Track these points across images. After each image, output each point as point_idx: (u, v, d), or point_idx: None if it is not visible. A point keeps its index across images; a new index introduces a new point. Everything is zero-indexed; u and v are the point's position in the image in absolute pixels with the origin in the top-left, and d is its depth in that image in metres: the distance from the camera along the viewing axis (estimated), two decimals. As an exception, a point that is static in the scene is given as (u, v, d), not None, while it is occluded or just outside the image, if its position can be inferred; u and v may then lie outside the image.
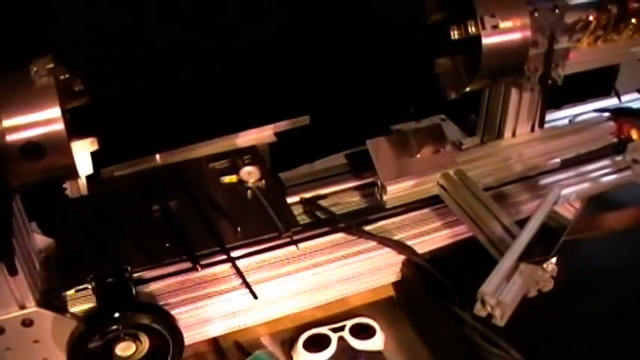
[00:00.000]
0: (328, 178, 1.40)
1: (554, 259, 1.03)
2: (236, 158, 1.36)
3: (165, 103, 1.52)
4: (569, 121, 1.53)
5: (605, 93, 1.64)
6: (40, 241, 1.23)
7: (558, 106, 1.55)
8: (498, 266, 1.03)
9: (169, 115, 1.51)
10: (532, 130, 1.43)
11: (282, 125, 1.45)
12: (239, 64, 1.56)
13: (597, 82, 1.61)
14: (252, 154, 1.37)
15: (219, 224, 1.24)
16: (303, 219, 1.30)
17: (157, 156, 1.39)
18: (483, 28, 1.17)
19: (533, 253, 1.06)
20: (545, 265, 1.03)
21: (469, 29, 1.19)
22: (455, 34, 1.21)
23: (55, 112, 0.96)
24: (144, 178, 1.35)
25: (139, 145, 1.40)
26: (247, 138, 1.43)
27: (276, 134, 1.44)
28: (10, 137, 0.95)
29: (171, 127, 1.47)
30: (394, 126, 1.41)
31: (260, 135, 1.44)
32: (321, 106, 1.48)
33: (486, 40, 1.18)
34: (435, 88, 1.34)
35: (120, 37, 1.42)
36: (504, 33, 1.19)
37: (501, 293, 0.99)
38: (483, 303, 1.00)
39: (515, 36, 1.20)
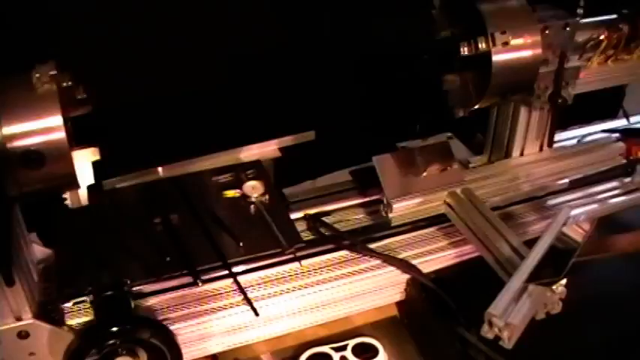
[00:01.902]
0: (333, 194, 1.38)
1: (563, 281, 1.01)
2: (240, 172, 1.34)
3: (169, 115, 1.51)
4: (578, 141, 1.51)
5: (611, 114, 1.62)
6: (39, 251, 1.21)
7: (564, 127, 1.53)
8: (507, 287, 1.01)
9: (173, 127, 1.50)
10: (540, 149, 1.42)
11: (287, 140, 1.43)
12: (245, 79, 1.55)
13: (603, 104, 1.59)
14: (256, 169, 1.35)
15: (221, 239, 1.22)
16: (307, 235, 1.28)
17: (160, 169, 1.37)
18: (494, 44, 1.16)
19: (543, 275, 1.04)
20: (554, 287, 1.01)
21: (479, 45, 1.17)
22: (465, 50, 1.19)
23: (57, 120, 0.94)
24: (146, 191, 1.33)
25: (141, 158, 1.38)
26: (251, 152, 1.41)
27: (281, 149, 1.42)
28: (11, 145, 0.93)
29: (174, 140, 1.46)
30: (400, 143, 1.39)
31: (264, 150, 1.42)
32: (326, 122, 1.46)
33: (497, 57, 1.17)
34: (442, 106, 1.33)
35: (125, 48, 1.41)
36: (515, 50, 1.18)
37: (509, 315, 0.97)
38: (491, 325, 0.98)
39: (526, 53, 1.19)
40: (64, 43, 1.31)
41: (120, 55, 1.40)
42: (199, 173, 1.37)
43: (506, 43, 1.16)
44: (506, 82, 1.20)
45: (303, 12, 1.57)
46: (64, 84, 0.96)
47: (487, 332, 0.99)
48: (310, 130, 1.44)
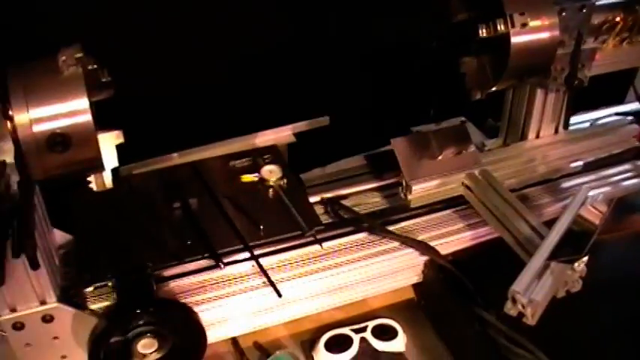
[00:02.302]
0: (348, 179, 1.38)
1: (585, 259, 1.02)
2: (256, 157, 1.35)
3: (183, 102, 1.52)
4: (591, 124, 1.52)
5: (619, 98, 1.63)
6: (60, 237, 1.22)
7: (575, 111, 1.53)
8: (529, 265, 1.02)
9: (187, 114, 1.50)
10: (556, 132, 1.43)
11: (301, 126, 1.43)
12: (259, 65, 1.55)
13: (611, 87, 1.60)
14: (272, 154, 1.36)
15: (241, 223, 1.22)
16: (325, 219, 1.28)
17: (177, 154, 1.38)
18: (512, 25, 1.16)
19: (563, 253, 1.05)
20: (575, 265, 1.02)
21: (498, 27, 1.17)
22: (483, 32, 1.19)
23: (83, 102, 0.94)
24: (164, 176, 1.33)
25: (156, 145, 1.38)
26: (266, 138, 1.42)
27: (295, 135, 1.43)
28: (37, 128, 0.93)
29: (188, 126, 1.46)
30: (414, 128, 1.40)
31: (279, 135, 1.42)
32: (340, 108, 1.47)
33: (515, 39, 1.17)
34: (454, 90, 1.34)
35: (142, 34, 1.42)
36: (533, 32, 1.18)
37: (532, 292, 0.98)
38: (514, 302, 0.99)
39: (544, 35, 1.19)
40: (84, 27, 1.31)
41: (137, 40, 1.41)
42: (216, 158, 1.38)
43: (524, 25, 1.16)
44: (523, 64, 1.21)
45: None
46: (89, 67, 0.97)
47: (510, 309, 1.00)
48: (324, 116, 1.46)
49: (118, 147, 1.06)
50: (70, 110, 0.94)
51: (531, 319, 0.98)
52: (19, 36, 1.26)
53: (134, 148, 1.12)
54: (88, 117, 0.95)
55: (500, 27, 1.17)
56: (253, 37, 1.53)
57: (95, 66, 0.97)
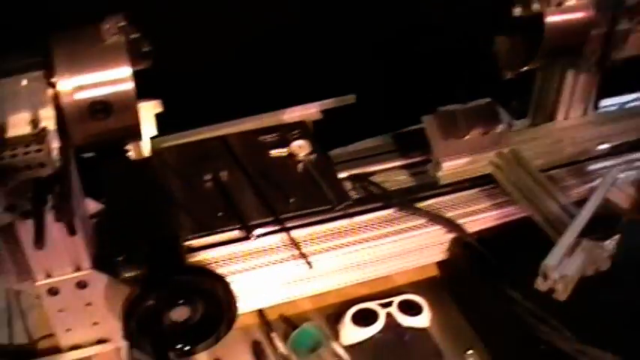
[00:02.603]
0: (374, 156, 1.39)
1: (616, 237, 1.04)
2: (285, 132, 1.36)
3: (213, 77, 1.52)
4: (620, 107, 1.52)
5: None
6: (91, 205, 1.23)
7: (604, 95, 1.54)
8: (561, 241, 1.03)
9: (217, 90, 1.51)
10: (585, 113, 1.43)
11: (328, 103, 1.44)
12: (288, 42, 1.56)
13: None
14: (301, 129, 1.37)
15: (271, 195, 1.24)
16: (352, 195, 1.29)
17: (207, 128, 1.39)
18: (548, 5, 1.17)
19: (593, 233, 1.06)
20: (606, 243, 1.03)
21: (532, 6, 1.18)
22: (518, 11, 1.20)
23: (126, 71, 0.95)
24: (194, 149, 1.35)
25: (188, 118, 1.39)
26: (293, 114, 1.43)
27: (322, 112, 1.44)
28: (79, 95, 0.94)
29: (218, 101, 1.47)
30: (440, 108, 1.41)
31: (306, 112, 1.43)
32: (366, 87, 1.47)
33: (550, 18, 1.18)
34: (480, 72, 1.34)
35: (178, 6, 1.42)
36: (567, 12, 1.19)
37: (564, 268, 1.00)
38: (545, 277, 1.00)
39: (578, 15, 1.20)
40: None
41: (171, 14, 1.42)
42: (246, 133, 1.39)
43: (560, 4, 1.17)
44: (557, 44, 1.21)
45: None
46: (132, 36, 0.98)
47: (541, 285, 1.02)
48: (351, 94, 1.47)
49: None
50: (112, 78, 0.95)
51: (562, 294, 1.00)
52: (64, 4, 1.27)
53: (167, 120, 1.14)
54: (129, 85, 0.96)
55: (535, 5, 1.18)
56: (285, 12, 1.54)
57: (137, 35, 0.98)
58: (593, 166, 1.34)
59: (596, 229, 1.07)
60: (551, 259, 1.00)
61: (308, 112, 1.43)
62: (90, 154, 1.06)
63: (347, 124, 1.42)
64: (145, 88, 1.03)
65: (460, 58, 1.50)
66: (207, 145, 1.36)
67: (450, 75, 1.52)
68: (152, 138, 1.30)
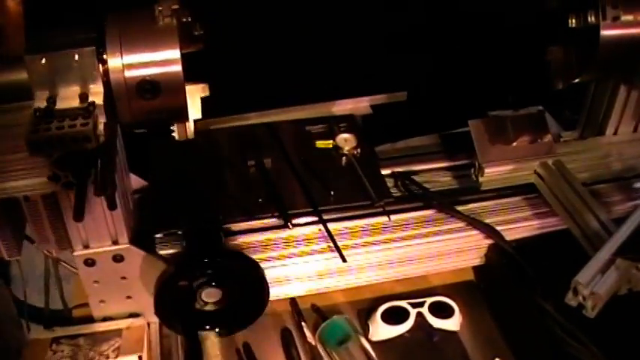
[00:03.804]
0: (420, 155, 1.39)
1: (653, 258, 1.02)
2: (333, 124, 1.36)
3: (265, 65, 1.53)
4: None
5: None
6: (136, 182, 1.26)
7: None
8: (595, 258, 1.02)
9: (268, 77, 1.52)
10: (635, 130, 1.39)
11: (379, 98, 1.45)
12: (344, 36, 1.56)
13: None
14: (349, 122, 1.37)
15: (312, 186, 1.25)
16: (395, 192, 1.30)
17: (254, 114, 1.41)
18: (604, 18, 1.15)
19: (630, 251, 1.04)
20: (641, 264, 1.02)
21: (588, 18, 1.16)
22: (573, 22, 1.18)
23: (175, 53, 0.97)
24: (241, 134, 1.37)
25: (236, 103, 1.41)
26: (344, 107, 1.44)
27: (372, 107, 1.45)
28: (128, 73, 0.96)
29: (268, 89, 1.48)
30: (491, 112, 1.40)
31: (356, 105, 1.44)
32: (418, 86, 1.47)
33: (605, 32, 1.16)
34: (536, 80, 1.33)
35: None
36: (625, 27, 1.17)
37: (595, 285, 0.98)
38: (575, 292, 0.99)
39: (634, 31, 1.17)
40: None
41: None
42: (293, 122, 1.40)
43: (616, 18, 1.15)
44: (611, 59, 1.19)
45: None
46: (184, 19, 0.99)
47: (571, 300, 1.00)
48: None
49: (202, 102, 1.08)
50: (162, 59, 0.97)
51: (591, 311, 0.98)
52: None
53: (215, 103, 1.15)
54: (178, 67, 0.97)
55: (591, 18, 1.16)
56: (341, 5, 1.55)
57: (189, 19, 1.00)
58: (638, 184, 1.32)
59: (634, 248, 1.05)
60: (583, 276, 0.98)
61: (358, 105, 1.44)
62: (141, 131, 1.08)
63: (398, 121, 1.43)
64: (199, 71, 1.05)
65: (517, 64, 1.48)
66: (254, 131, 1.38)
67: (505, 80, 1.51)
68: (201, 119, 1.33)
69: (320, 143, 1.33)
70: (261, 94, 1.44)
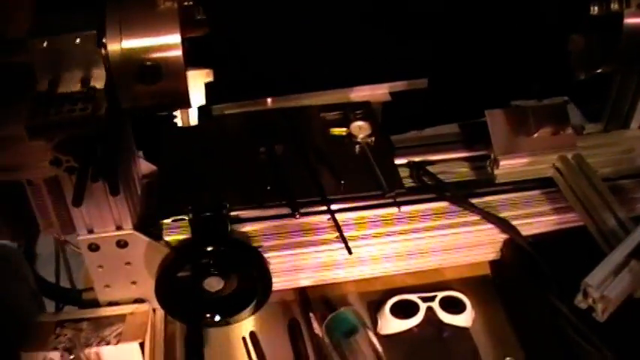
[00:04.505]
0: (439, 144, 1.35)
1: (669, 261, 0.98)
2: (348, 111, 1.33)
3: (281, 50, 1.52)
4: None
5: None
6: (145, 167, 1.25)
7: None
8: (607, 259, 0.98)
9: (284, 62, 1.50)
10: (661, 124, 1.35)
11: (399, 85, 1.41)
12: (364, 23, 1.53)
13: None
14: (364, 110, 1.33)
15: (323, 175, 1.22)
16: (409, 182, 1.26)
17: (269, 99, 1.38)
18: (628, 5, 1.09)
19: (647, 251, 1.00)
20: (657, 267, 0.98)
21: (611, 6, 1.10)
22: (595, 10, 1.12)
23: (175, 37, 0.94)
24: (254, 120, 1.35)
25: (251, 89, 1.39)
26: (362, 93, 1.40)
27: (392, 94, 1.41)
28: (129, 58, 0.94)
29: (286, 74, 1.46)
30: (514, 102, 1.35)
31: (375, 92, 1.41)
32: (440, 73, 1.44)
33: (629, 20, 1.10)
34: (562, 69, 1.28)
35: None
36: (649, 14, 1.12)
37: (606, 288, 0.94)
38: (585, 295, 0.96)
39: (661, 19, 1.13)
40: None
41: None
42: (308, 108, 1.37)
43: (641, 5, 1.10)
44: (635, 48, 1.13)
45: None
46: (185, 3, 0.97)
47: (581, 302, 0.97)
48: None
49: (217, 86, 1.07)
50: (162, 44, 0.94)
51: (601, 315, 0.95)
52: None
53: (233, 88, 1.14)
54: (178, 52, 0.94)
55: (614, 5, 1.10)
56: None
57: (191, 2, 0.97)
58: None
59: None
60: (594, 277, 0.94)
61: (377, 92, 1.41)
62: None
63: (418, 109, 1.40)
64: (212, 56, 1.03)
65: (543, 53, 1.43)
66: (268, 117, 1.35)
67: (530, 69, 1.47)
68: (215, 104, 1.32)
69: (334, 130, 1.29)
70: (280, 79, 1.42)
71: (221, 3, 1.06)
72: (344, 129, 1.29)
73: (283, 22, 1.48)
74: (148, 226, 1.14)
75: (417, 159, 1.30)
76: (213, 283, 1.07)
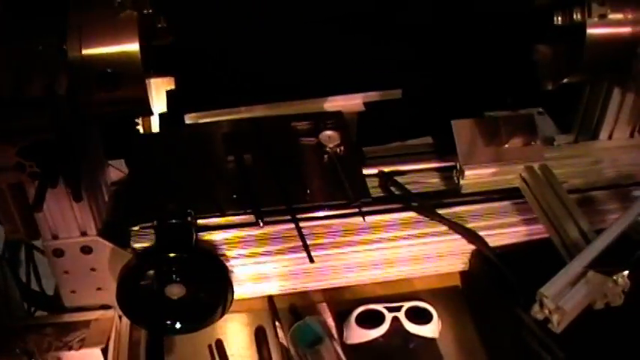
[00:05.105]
0: (411, 155, 1.35)
1: (625, 273, 0.97)
2: (319, 121, 1.33)
3: (256, 59, 1.52)
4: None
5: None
6: (114, 174, 1.25)
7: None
8: (564, 270, 0.97)
9: (259, 71, 1.51)
10: (631, 135, 1.33)
11: (373, 96, 1.41)
12: (338, 33, 1.54)
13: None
14: (335, 120, 1.33)
15: (289, 184, 1.21)
16: (377, 192, 1.26)
17: (243, 109, 1.38)
18: (589, 16, 1.09)
19: (606, 263, 1.00)
20: (616, 278, 0.97)
21: (574, 16, 1.11)
22: (559, 20, 1.13)
23: (134, 45, 0.95)
24: (225, 128, 1.34)
25: (227, 97, 1.40)
26: (335, 104, 1.41)
27: (365, 105, 1.41)
28: (88, 65, 0.94)
29: (260, 83, 1.47)
30: (488, 112, 1.35)
31: (348, 102, 1.41)
32: (414, 85, 1.44)
33: (591, 30, 1.10)
34: (536, 80, 1.28)
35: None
36: (612, 25, 1.11)
37: (562, 299, 0.94)
38: (542, 305, 0.95)
39: (624, 30, 1.11)
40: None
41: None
42: (280, 117, 1.37)
43: (603, 16, 1.09)
44: (599, 59, 1.13)
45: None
46: (145, 11, 0.98)
47: (537, 313, 0.96)
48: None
49: (191, 95, 1.07)
50: (121, 51, 0.95)
51: (557, 326, 0.94)
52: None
53: (208, 97, 1.14)
54: (137, 59, 0.95)
55: (577, 16, 1.11)
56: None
57: (150, 10, 0.98)
58: (636, 192, 1.25)
59: (613, 260, 1.00)
60: (550, 288, 0.94)
61: (350, 102, 1.41)
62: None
63: (392, 121, 1.40)
64: (187, 65, 1.04)
65: (519, 62, 1.44)
66: (239, 126, 1.35)
67: (505, 81, 1.47)
68: (188, 113, 1.32)
69: (304, 140, 1.29)
70: (256, 89, 1.43)
71: (191, 13, 1.06)
72: (313, 138, 1.30)
73: (263, 31, 1.49)
74: (115, 232, 1.14)
75: (387, 169, 1.30)
76: (175, 290, 1.07)
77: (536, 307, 0.96)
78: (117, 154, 1.26)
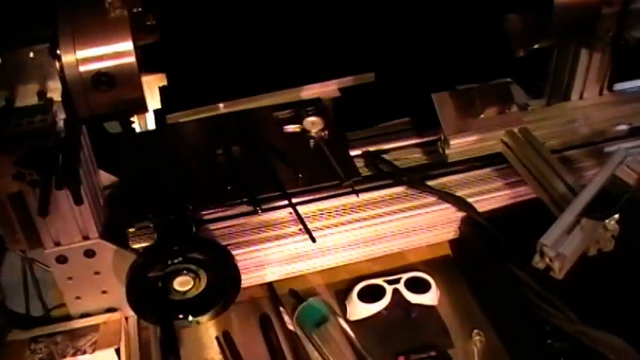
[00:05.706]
0: (391, 134, 1.39)
1: (616, 217, 1.02)
2: (300, 109, 1.36)
3: (231, 55, 1.54)
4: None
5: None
6: (105, 178, 1.26)
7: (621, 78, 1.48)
8: (559, 220, 1.02)
9: (235, 66, 1.52)
10: (600, 93, 1.39)
11: (347, 81, 1.44)
12: (308, 21, 1.56)
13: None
14: (315, 106, 1.36)
15: (281, 171, 1.24)
16: (365, 171, 1.30)
17: (223, 104, 1.41)
18: (557, -19, 1.15)
19: (596, 210, 1.05)
20: (606, 223, 1.02)
21: (542, -17, 1.16)
22: (528, -12, 1.18)
23: (127, 45, 0.96)
24: (209, 124, 1.37)
25: (204, 95, 1.41)
26: (312, 91, 1.43)
27: (341, 90, 1.44)
28: (83, 67, 0.95)
29: (236, 79, 1.49)
30: (460, 86, 1.40)
31: (324, 89, 1.44)
32: (386, 67, 1.47)
33: (558, -4, 1.16)
34: (503, 51, 1.33)
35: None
36: (579, -11, 1.17)
37: (561, 246, 0.99)
38: (542, 255, 1.00)
39: (589, -7, 1.18)
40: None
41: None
42: (261, 109, 1.40)
43: (569, -20, 1.15)
44: (567, 22, 1.18)
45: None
46: (135, 9, 0.99)
47: (538, 262, 1.01)
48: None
49: (170, 95, 1.08)
50: (115, 51, 0.96)
51: (558, 272, 0.99)
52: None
53: (184, 96, 1.15)
54: (132, 58, 0.97)
55: (544, -18, 1.16)
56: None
57: (140, 9, 1.00)
58: (610, 148, 1.30)
59: (601, 208, 1.06)
60: (548, 237, 0.99)
61: (326, 89, 1.44)
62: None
63: (370, 104, 1.43)
64: (161, 63, 1.05)
65: (486, 35, 1.48)
66: (222, 121, 1.38)
67: (472, 55, 1.51)
68: (170, 113, 1.34)
69: (288, 128, 1.32)
70: (230, 84, 1.44)
71: (166, 9, 1.08)
72: (297, 125, 1.32)
73: (235, 28, 1.51)
74: (116, 234, 1.15)
75: (371, 149, 1.34)
76: (183, 283, 1.09)
77: (537, 257, 1.01)
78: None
